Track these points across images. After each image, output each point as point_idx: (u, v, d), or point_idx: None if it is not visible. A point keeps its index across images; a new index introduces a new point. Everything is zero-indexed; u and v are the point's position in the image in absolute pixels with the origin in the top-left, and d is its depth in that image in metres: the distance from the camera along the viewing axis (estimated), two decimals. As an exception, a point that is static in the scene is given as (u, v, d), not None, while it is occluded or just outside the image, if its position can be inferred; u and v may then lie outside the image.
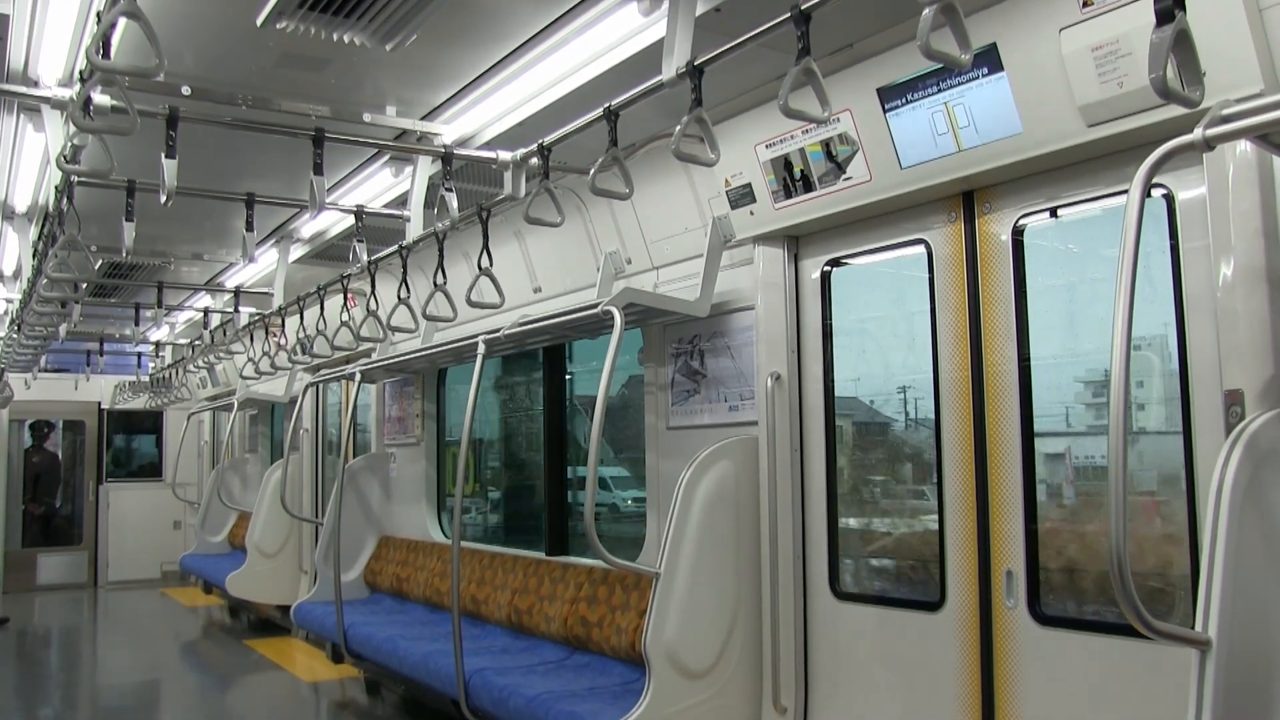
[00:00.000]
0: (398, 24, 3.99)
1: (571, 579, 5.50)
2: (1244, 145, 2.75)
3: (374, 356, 7.50)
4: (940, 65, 3.02)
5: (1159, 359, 3.28)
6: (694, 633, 4.17)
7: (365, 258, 5.84)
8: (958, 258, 3.78)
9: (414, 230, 5.55)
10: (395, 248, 5.79)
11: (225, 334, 9.63)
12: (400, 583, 7.24)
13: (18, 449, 13.68)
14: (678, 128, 3.35)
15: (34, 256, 6.21)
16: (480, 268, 5.05)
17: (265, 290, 8.54)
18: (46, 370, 13.48)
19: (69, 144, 4.19)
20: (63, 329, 8.00)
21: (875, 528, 4.34)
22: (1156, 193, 3.10)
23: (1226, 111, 2.30)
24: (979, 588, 3.63)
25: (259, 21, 3.93)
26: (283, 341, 8.37)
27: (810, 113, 3.05)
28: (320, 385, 9.22)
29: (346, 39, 4.10)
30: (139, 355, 13.61)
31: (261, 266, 8.45)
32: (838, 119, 3.79)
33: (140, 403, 13.61)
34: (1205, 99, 2.45)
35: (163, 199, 4.01)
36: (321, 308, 7.14)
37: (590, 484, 4.06)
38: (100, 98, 3.69)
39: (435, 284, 5.40)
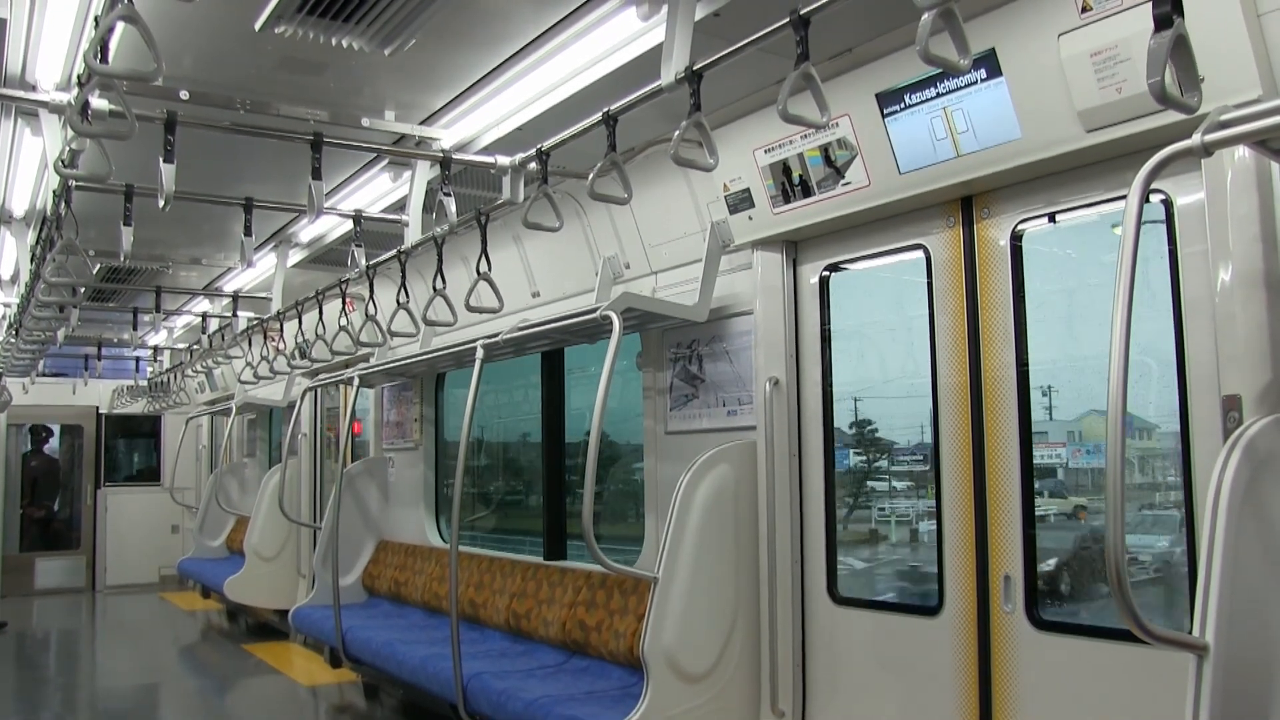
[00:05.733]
0: (396, 29, 3.99)
1: (570, 583, 5.50)
2: (1242, 151, 2.75)
3: (372, 361, 7.50)
4: (939, 70, 3.03)
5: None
6: (692, 637, 4.16)
7: (364, 262, 5.84)
8: (956, 263, 3.78)
9: (412, 235, 5.55)
10: (394, 252, 5.80)
11: (223, 338, 9.63)
12: (398, 587, 7.23)
13: (16, 453, 13.67)
14: (676, 132, 3.35)
15: (32, 261, 6.21)
16: (479, 272, 5.05)
17: (264, 295, 8.55)
18: (44, 374, 13.48)
19: (67, 148, 4.18)
20: (61, 333, 7.99)
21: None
22: (1155, 198, 3.10)
23: (1225, 117, 2.29)
24: (977, 593, 3.62)
25: (257, 26, 3.93)
26: (281, 346, 8.37)
27: (809, 118, 3.05)
28: (318, 390, 9.22)
29: (345, 43, 4.11)
30: (137, 360, 13.61)
31: (260, 271, 8.45)
32: (836, 124, 3.79)
33: (138, 407, 13.61)
34: (1204, 104, 2.45)
35: (161, 203, 4.00)
36: (320, 312, 7.14)
37: (588, 488, 4.05)
38: (98, 102, 3.68)
39: (434, 289, 5.40)
